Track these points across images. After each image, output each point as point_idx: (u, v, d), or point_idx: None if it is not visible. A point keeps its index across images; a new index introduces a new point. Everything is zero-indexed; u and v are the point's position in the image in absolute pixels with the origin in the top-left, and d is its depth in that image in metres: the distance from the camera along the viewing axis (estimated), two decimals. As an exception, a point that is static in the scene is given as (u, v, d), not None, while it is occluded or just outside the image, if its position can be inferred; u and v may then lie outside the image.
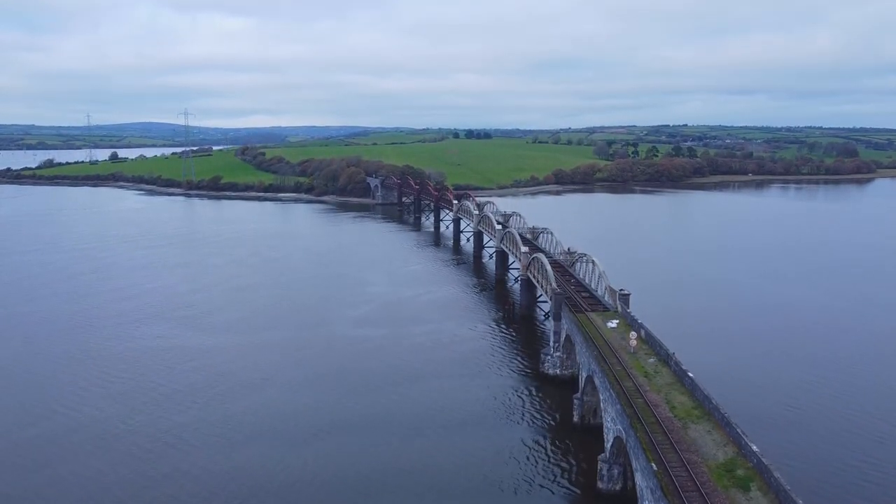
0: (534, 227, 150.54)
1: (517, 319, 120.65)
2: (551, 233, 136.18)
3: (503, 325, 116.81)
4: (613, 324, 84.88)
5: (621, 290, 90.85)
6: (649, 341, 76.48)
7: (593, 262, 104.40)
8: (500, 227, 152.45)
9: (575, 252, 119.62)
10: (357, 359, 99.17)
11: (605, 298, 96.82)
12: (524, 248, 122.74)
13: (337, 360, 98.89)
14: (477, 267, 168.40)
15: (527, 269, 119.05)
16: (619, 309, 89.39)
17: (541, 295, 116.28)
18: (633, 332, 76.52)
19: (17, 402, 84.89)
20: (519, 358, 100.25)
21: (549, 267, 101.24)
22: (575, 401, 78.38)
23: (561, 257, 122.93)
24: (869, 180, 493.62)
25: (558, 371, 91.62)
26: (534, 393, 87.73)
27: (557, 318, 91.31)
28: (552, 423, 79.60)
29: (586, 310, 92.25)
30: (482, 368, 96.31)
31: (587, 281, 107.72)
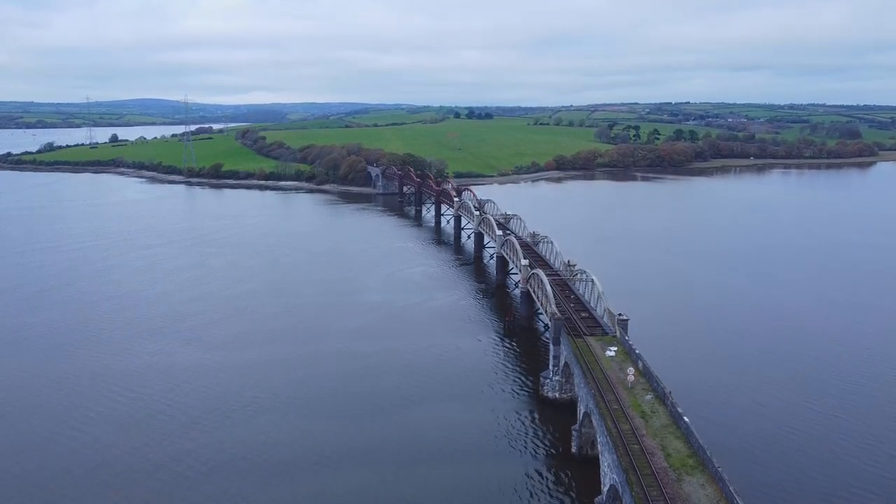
0: (534, 233, 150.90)
1: (518, 331, 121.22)
2: (551, 242, 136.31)
3: (504, 339, 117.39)
4: (612, 352, 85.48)
5: (620, 314, 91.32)
6: (646, 375, 77.16)
7: (593, 280, 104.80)
8: (500, 233, 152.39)
9: (575, 265, 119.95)
10: (355, 378, 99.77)
11: (604, 319, 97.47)
12: (524, 261, 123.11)
13: (335, 380, 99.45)
14: (478, 269, 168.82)
15: (527, 282, 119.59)
16: (618, 334, 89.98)
17: (540, 309, 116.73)
18: (631, 368, 77.20)
19: (18, 428, 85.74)
20: (519, 378, 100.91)
21: (549, 287, 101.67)
22: (573, 432, 79.22)
23: (561, 270, 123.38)
24: (871, 164, 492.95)
25: (557, 394, 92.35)
26: (533, 418, 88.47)
27: (557, 343, 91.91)
28: (551, 452, 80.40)
29: (585, 333, 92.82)
30: (483, 388, 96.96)
31: (587, 297, 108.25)
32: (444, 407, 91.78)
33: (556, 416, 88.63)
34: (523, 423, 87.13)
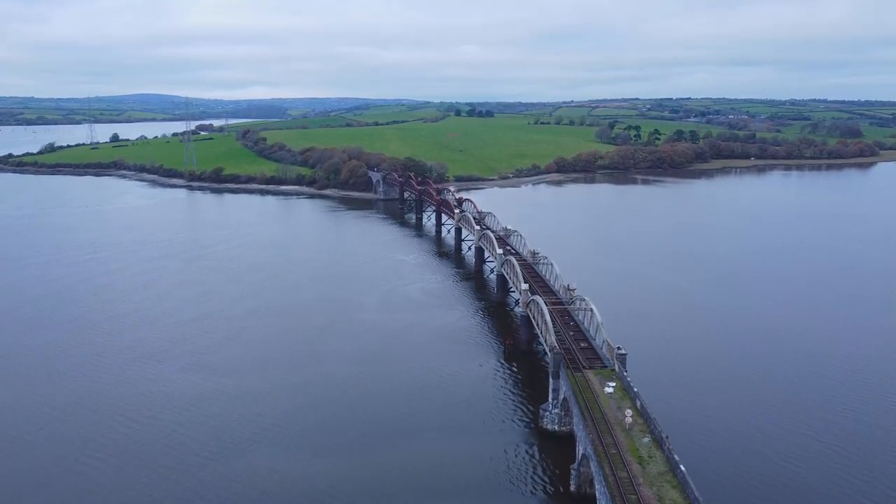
0: (534, 252, 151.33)
1: (518, 355, 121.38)
2: (551, 263, 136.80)
3: (504, 363, 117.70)
4: (610, 388, 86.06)
5: (618, 348, 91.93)
6: (644, 415, 77.81)
7: (592, 309, 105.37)
8: (500, 251, 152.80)
9: (574, 289, 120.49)
10: (354, 407, 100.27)
11: (603, 351, 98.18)
12: (524, 286, 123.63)
13: (334, 409, 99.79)
14: (478, 284, 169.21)
15: (527, 306, 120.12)
16: (617, 369, 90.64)
17: (539, 336, 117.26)
18: (629, 410, 77.88)
19: (17, 464, 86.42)
20: (519, 407, 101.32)
21: (549, 317, 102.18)
22: (572, 471, 79.90)
23: (561, 293, 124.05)
24: (871, 164, 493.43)
25: (556, 427, 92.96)
26: (533, 452, 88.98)
27: (556, 377, 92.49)
28: (550, 490, 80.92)
29: (584, 367, 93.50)
30: (483, 417, 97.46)
31: (586, 325, 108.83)
32: (443, 438, 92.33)
33: (555, 449, 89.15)
34: (523, 458, 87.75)
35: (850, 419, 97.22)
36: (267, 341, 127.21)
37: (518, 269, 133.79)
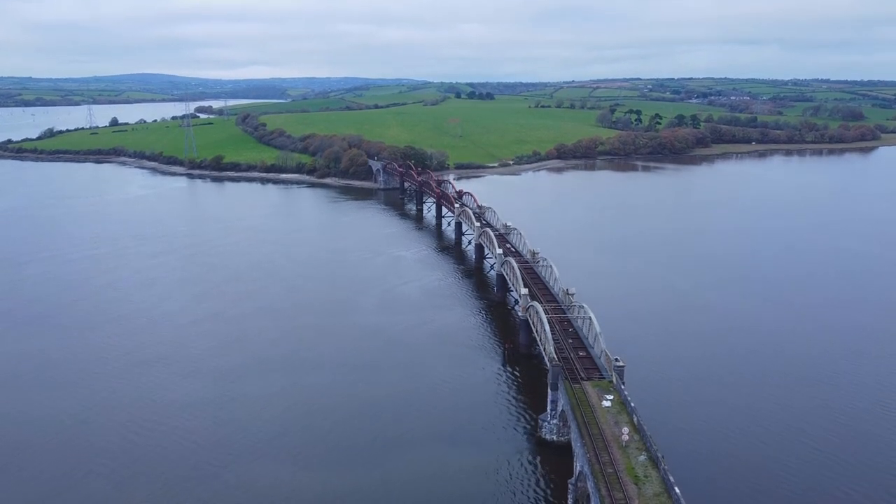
0: (534, 252, 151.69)
1: (518, 359, 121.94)
2: (551, 266, 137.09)
3: (504, 368, 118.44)
4: (608, 402, 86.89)
5: (616, 359, 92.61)
6: (641, 432, 78.68)
7: (591, 318, 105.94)
8: (500, 251, 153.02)
9: (573, 294, 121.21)
10: (352, 417, 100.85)
11: (601, 360, 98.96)
12: (524, 290, 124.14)
13: (331, 419, 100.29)
14: (479, 281, 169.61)
15: (526, 311, 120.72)
16: (614, 381, 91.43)
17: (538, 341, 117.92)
18: (626, 427, 78.73)
19: (21, 474, 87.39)
20: (518, 414, 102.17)
21: (548, 327, 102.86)
22: (569, 486, 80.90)
23: (560, 296, 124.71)
24: (872, 149, 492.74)
25: (555, 437, 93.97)
26: (531, 463, 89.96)
27: (555, 389, 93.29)
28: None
29: (583, 378, 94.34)
30: (483, 426, 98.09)
31: (584, 332, 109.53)
32: (442, 448, 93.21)
33: (553, 460, 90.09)
34: (521, 469, 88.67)
35: (856, 437, 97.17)
36: (266, 346, 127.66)
37: (518, 271, 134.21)
